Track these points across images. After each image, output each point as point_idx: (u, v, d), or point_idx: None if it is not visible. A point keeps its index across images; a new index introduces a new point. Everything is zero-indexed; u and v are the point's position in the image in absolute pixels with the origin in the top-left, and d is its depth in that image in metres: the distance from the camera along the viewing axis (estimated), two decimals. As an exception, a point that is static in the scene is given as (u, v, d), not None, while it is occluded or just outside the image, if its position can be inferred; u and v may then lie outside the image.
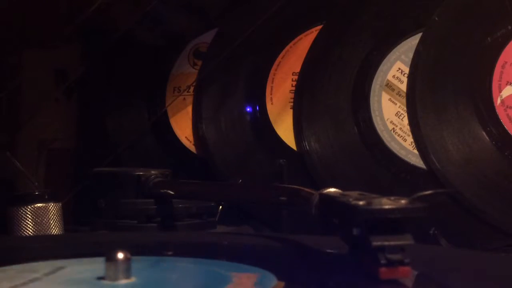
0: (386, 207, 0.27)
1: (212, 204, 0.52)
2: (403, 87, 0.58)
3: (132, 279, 0.28)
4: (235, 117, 0.65)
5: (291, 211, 0.53)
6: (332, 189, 0.32)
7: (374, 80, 0.59)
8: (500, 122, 0.54)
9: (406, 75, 0.58)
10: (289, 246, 0.38)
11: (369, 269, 0.27)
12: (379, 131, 0.58)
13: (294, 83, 0.63)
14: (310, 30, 0.64)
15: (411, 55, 0.58)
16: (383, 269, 0.27)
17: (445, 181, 0.55)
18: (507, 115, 0.54)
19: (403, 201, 0.27)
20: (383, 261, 0.26)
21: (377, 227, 0.27)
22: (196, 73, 0.68)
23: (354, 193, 0.30)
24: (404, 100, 0.58)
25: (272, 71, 0.64)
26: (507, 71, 0.55)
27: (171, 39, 0.69)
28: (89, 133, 0.72)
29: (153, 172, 0.50)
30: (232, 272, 0.30)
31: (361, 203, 0.27)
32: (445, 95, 0.56)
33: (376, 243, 0.27)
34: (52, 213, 0.49)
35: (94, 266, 0.30)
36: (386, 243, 0.27)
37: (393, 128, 0.58)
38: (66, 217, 0.51)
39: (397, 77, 0.59)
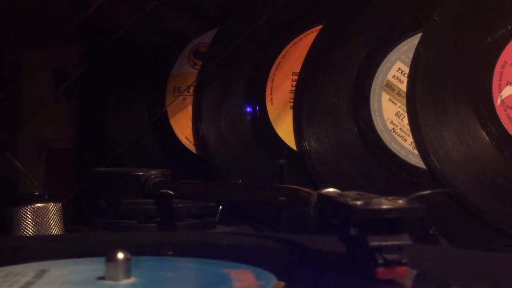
0: (384, 207, 0.27)
1: (212, 204, 0.52)
2: (403, 87, 0.58)
3: (132, 279, 0.28)
4: (235, 117, 0.65)
5: (290, 211, 0.53)
6: (331, 189, 0.32)
7: (374, 80, 0.59)
8: (500, 122, 0.54)
9: (406, 75, 0.58)
10: (288, 246, 0.38)
11: (367, 269, 0.27)
12: (379, 131, 0.58)
13: (294, 83, 0.63)
14: (310, 30, 0.64)
15: (411, 55, 0.58)
16: (380, 269, 0.27)
17: (445, 181, 0.55)
18: (507, 115, 0.54)
19: (400, 201, 0.27)
20: (380, 261, 0.26)
21: (375, 227, 0.27)
22: (196, 73, 0.68)
23: (352, 193, 0.30)
24: (404, 100, 0.58)
25: (272, 71, 0.64)
26: (507, 71, 0.55)
27: (171, 39, 0.69)
28: (89, 133, 0.72)
29: (153, 172, 0.50)
30: (228, 269, 0.30)
31: (358, 203, 0.27)
32: (445, 95, 0.56)
33: (374, 243, 0.27)
34: (52, 213, 0.49)
35: (94, 266, 0.30)
36: (384, 243, 0.27)
37: (393, 128, 0.58)
38: (66, 217, 0.51)
39: (397, 77, 0.59)
